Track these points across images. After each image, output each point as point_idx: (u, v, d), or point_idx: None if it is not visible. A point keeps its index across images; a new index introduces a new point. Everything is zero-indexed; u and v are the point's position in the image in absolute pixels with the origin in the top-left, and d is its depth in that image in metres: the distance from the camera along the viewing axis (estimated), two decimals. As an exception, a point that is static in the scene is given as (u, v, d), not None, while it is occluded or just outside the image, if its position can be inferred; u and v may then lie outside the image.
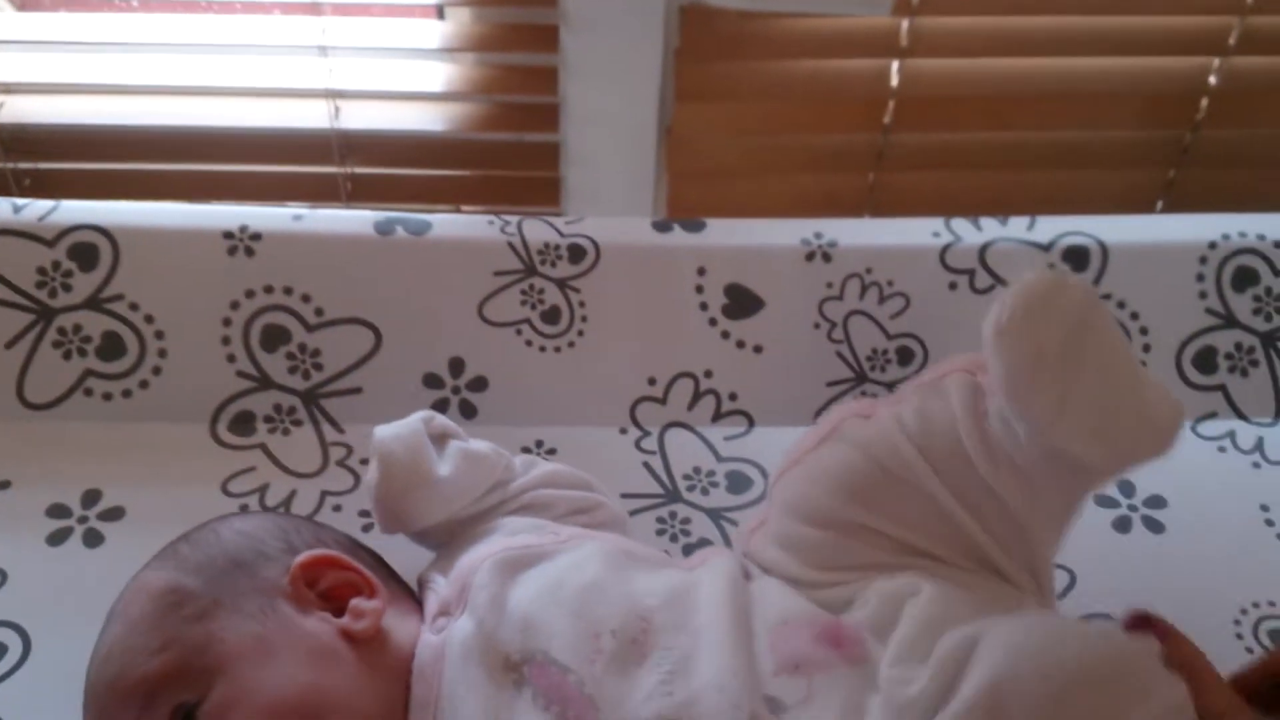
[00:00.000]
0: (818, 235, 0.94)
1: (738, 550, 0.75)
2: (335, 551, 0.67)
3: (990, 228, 0.95)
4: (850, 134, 1.35)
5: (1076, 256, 0.94)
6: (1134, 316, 0.95)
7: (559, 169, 1.34)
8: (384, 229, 0.90)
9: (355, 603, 0.64)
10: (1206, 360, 0.96)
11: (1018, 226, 0.96)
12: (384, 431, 0.72)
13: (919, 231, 0.95)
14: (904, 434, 0.68)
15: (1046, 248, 0.94)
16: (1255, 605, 0.80)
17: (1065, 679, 0.57)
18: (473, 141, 1.33)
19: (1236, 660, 0.67)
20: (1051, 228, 0.96)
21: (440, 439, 0.75)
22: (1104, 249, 0.94)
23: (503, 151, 1.34)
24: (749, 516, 0.85)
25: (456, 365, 0.91)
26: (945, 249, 0.94)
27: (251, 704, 0.58)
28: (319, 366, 0.90)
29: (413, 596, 0.70)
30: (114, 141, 1.29)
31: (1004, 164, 1.39)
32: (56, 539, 0.80)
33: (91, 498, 0.83)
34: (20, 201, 0.90)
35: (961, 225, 0.95)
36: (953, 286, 0.94)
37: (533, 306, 0.91)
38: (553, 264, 0.91)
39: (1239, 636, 0.78)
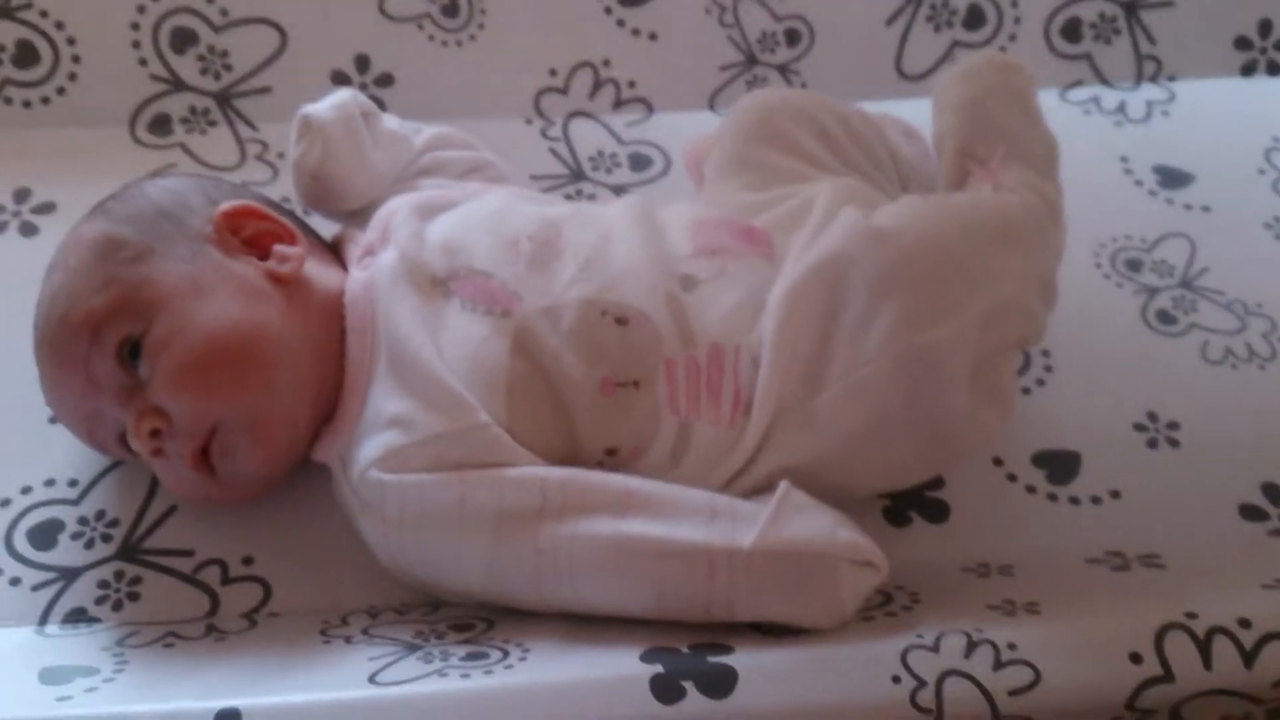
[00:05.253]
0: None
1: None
2: (255, 203, 0.72)
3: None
4: None
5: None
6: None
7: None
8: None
9: (278, 248, 0.69)
10: (1073, 30, 1.01)
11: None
12: (317, 111, 0.74)
13: (804, -86, 0.98)
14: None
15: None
16: (1113, 239, 0.89)
17: None
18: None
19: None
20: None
21: (363, 117, 0.77)
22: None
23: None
24: (650, 191, 0.91)
25: (362, 62, 0.95)
26: (827, -69, 0.98)
27: (191, 335, 0.64)
28: (229, 67, 0.93)
29: (331, 250, 0.75)
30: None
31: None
32: (-7, 231, 0.84)
33: (22, 194, 0.87)
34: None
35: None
36: (835, -35, 0.98)
37: (432, 0, 0.95)
38: (448, -44, 0.94)
39: (1098, 266, 0.88)
